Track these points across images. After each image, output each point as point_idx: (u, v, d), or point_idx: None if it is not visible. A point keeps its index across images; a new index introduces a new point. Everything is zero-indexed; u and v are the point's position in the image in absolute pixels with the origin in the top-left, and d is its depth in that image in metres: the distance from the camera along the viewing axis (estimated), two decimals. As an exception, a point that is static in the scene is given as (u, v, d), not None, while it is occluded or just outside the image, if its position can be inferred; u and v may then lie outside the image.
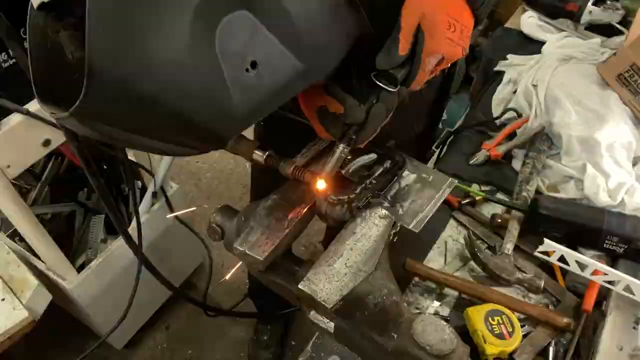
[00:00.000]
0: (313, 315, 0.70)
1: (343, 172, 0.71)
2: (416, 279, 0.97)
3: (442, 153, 1.32)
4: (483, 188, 1.17)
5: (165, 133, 0.51)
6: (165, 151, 0.55)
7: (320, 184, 0.66)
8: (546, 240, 0.92)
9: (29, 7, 0.50)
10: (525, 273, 0.96)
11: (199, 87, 0.48)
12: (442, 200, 0.72)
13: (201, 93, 0.49)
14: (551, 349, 0.86)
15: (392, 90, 0.62)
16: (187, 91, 0.47)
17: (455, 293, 0.95)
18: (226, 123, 0.54)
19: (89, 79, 0.42)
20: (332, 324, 0.69)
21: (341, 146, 0.65)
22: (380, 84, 0.62)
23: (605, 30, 1.56)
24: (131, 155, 1.63)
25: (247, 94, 0.52)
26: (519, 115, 1.30)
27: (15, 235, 1.54)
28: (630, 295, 0.89)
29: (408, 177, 0.75)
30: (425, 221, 0.69)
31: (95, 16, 0.41)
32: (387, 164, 0.74)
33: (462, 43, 0.63)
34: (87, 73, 0.42)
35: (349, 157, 0.74)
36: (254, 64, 0.51)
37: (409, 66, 0.62)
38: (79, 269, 1.53)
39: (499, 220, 1.05)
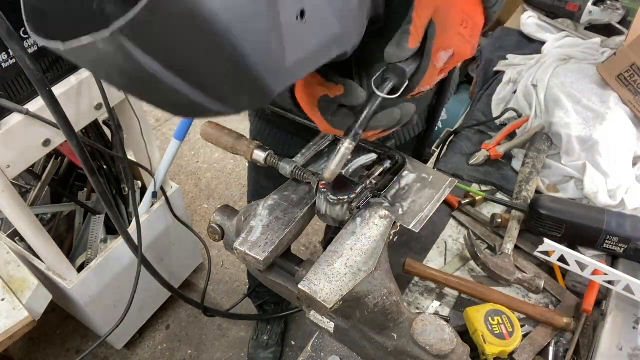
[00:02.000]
0: (313, 315, 0.70)
1: (343, 172, 0.71)
2: (416, 279, 0.97)
3: (442, 153, 1.32)
4: (483, 188, 1.17)
5: (214, 75, 0.46)
6: (199, 106, 0.49)
7: (323, 183, 0.65)
8: (546, 240, 0.93)
9: None
10: (525, 273, 0.96)
11: (259, 23, 0.44)
12: (442, 200, 0.72)
13: (260, 30, 0.45)
14: (551, 349, 0.86)
15: (397, 91, 0.61)
16: (249, 25, 0.43)
17: (455, 293, 0.95)
18: (276, 72, 0.50)
19: None
20: (332, 324, 0.69)
21: (346, 142, 0.63)
22: (386, 85, 0.60)
23: (605, 30, 1.56)
24: (131, 155, 1.63)
25: (297, 43, 0.49)
26: (519, 115, 1.30)
27: (15, 235, 1.54)
28: (630, 295, 0.89)
29: (408, 177, 0.75)
30: (425, 221, 0.69)
31: None
32: (387, 164, 0.74)
33: (472, 41, 0.62)
34: None
35: (349, 158, 0.74)
36: (302, 13, 0.48)
37: (418, 61, 0.60)
38: (79, 269, 1.53)
39: (499, 220, 1.05)
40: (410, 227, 0.68)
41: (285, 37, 0.47)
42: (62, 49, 0.40)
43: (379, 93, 0.60)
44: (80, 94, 1.17)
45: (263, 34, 0.45)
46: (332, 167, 0.62)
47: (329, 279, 0.61)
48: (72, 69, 1.15)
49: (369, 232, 0.66)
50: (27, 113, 1.06)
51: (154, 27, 0.38)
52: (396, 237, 0.71)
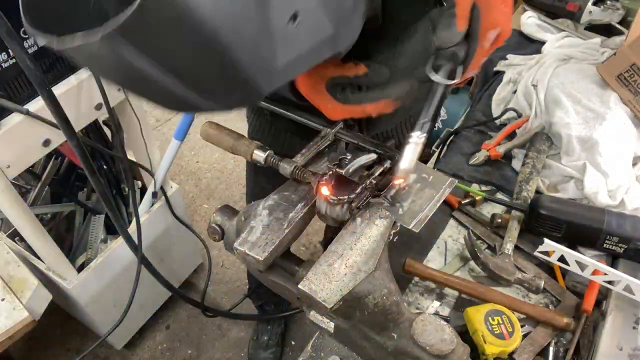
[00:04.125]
0: (313, 315, 0.70)
1: (343, 172, 0.71)
2: (416, 279, 0.97)
3: (442, 153, 1.32)
4: (483, 188, 1.17)
5: (204, 76, 0.48)
6: (191, 103, 0.51)
7: (399, 180, 0.64)
8: (546, 240, 0.93)
9: None
10: (525, 273, 0.96)
11: (249, 28, 0.45)
12: (442, 200, 0.72)
13: (250, 34, 0.46)
14: (551, 349, 0.86)
15: (449, 82, 0.60)
16: (239, 29, 0.44)
17: (455, 293, 0.95)
18: (267, 73, 0.51)
19: None
20: (332, 324, 0.69)
21: (415, 135, 0.63)
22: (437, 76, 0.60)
23: (605, 30, 1.56)
24: (131, 155, 1.63)
25: (288, 46, 0.50)
26: (519, 115, 1.30)
27: (15, 235, 1.54)
28: (630, 295, 0.89)
29: (408, 177, 0.75)
30: (425, 221, 0.69)
31: None
32: (387, 164, 0.74)
33: (511, 20, 0.62)
34: None
35: (348, 157, 0.74)
36: (294, 16, 0.49)
37: (465, 45, 0.60)
38: (79, 269, 1.53)
39: (499, 220, 1.05)
40: (410, 227, 0.68)
41: (277, 40, 0.48)
42: (55, 47, 0.40)
43: (442, 80, 0.60)
44: (80, 94, 1.17)
45: (253, 38, 0.46)
46: (405, 164, 0.63)
47: (329, 279, 0.61)
48: (72, 69, 1.15)
49: (369, 232, 0.66)
50: (27, 113, 1.06)
51: (145, 29, 0.39)
52: (396, 237, 0.71)
